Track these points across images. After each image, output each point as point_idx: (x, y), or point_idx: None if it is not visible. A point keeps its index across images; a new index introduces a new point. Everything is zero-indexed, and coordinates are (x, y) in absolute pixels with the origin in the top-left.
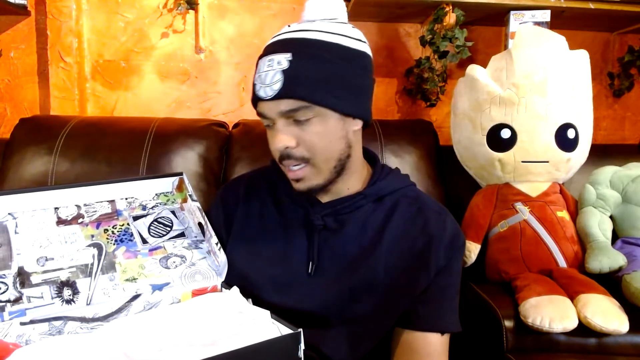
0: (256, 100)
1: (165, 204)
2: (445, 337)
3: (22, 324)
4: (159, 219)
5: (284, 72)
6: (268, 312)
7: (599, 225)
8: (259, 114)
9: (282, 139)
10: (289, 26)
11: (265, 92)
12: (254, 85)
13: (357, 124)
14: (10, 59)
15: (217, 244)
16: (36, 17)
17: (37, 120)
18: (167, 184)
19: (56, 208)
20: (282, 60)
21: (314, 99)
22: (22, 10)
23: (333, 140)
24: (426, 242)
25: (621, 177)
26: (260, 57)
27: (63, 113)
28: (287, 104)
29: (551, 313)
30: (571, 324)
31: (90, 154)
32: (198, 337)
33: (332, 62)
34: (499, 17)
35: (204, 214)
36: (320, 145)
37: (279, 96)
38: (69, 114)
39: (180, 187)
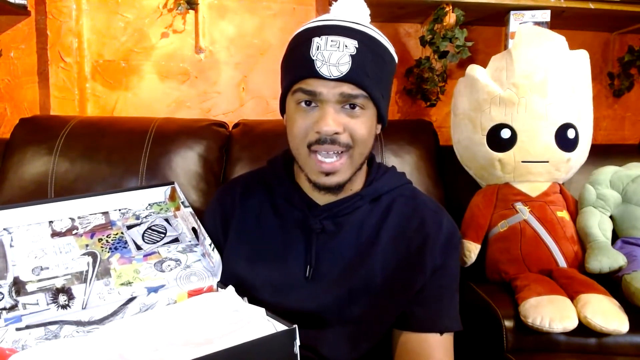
0: (306, 76)
1: (158, 213)
2: (447, 337)
3: (18, 329)
4: (153, 227)
5: (352, 57)
6: (263, 309)
7: (599, 225)
8: (304, 90)
9: (334, 123)
10: (333, 14)
11: (329, 70)
12: (310, 60)
13: (379, 128)
14: (10, 59)
15: (210, 244)
16: (36, 17)
17: (37, 120)
18: (159, 193)
19: (50, 222)
20: (350, 45)
21: (372, 91)
22: (22, 10)
23: (371, 136)
24: (422, 241)
25: (621, 177)
26: (312, 35)
27: (63, 113)
28: (349, 88)
29: (551, 313)
30: (571, 324)
31: (90, 154)
32: (194, 336)
33: (386, 64)
34: (499, 17)
35: (196, 218)
36: (364, 137)
37: (344, 78)
38: (69, 114)
39: (172, 197)
